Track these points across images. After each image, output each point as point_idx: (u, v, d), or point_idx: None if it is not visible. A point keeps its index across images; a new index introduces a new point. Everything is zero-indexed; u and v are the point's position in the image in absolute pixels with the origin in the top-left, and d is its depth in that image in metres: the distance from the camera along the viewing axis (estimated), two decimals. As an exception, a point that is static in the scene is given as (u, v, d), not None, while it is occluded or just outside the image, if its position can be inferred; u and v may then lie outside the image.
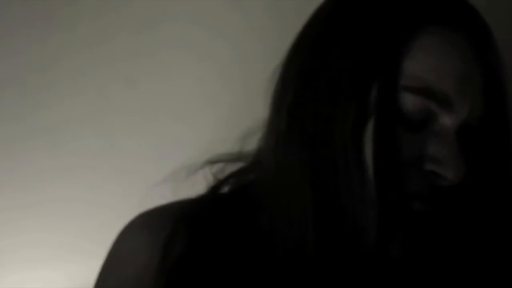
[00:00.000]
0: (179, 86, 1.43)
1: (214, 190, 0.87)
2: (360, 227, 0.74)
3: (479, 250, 0.78)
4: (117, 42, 1.40)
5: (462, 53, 0.75)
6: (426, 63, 0.75)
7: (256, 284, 0.77)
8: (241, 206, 0.83)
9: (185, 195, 0.90)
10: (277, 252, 0.77)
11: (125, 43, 1.40)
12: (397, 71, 0.75)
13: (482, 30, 0.76)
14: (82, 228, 1.53)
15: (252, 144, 0.90)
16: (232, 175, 0.88)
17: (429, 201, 0.76)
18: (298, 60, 0.80)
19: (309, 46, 0.80)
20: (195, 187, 0.91)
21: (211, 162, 0.89)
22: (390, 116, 0.75)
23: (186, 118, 1.44)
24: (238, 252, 0.79)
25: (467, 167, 0.75)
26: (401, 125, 0.76)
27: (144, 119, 1.45)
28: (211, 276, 0.78)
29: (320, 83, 0.77)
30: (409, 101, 0.75)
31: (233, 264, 0.79)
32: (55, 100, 1.44)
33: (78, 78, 1.42)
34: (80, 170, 1.48)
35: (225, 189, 0.88)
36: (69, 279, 1.59)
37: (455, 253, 0.78)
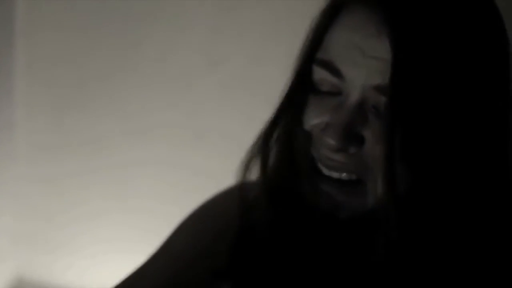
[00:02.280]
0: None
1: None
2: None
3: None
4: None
5: (363, 27, 0.78)
6: (333, 36, 0.81)
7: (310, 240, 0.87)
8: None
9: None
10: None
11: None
12: (313, 42, 0.82)
13: (394, 4, 0.78)
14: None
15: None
16: None
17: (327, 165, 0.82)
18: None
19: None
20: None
21: None
22: (300, 83, 0.83)
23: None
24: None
25: (354, 140, 0.79)
26: (313, 93, 0.82)
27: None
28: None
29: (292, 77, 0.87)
30: (318, 73, 0.82)
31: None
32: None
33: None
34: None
35: None
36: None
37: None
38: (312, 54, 0.83)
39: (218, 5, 1.53)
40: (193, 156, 1.61)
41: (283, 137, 0.87)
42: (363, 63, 0.78)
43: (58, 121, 1.64)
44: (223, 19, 1.53)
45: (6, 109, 1.63)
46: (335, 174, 0.82)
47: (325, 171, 0.82)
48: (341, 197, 0.82)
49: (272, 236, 0.87)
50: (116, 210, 1.67)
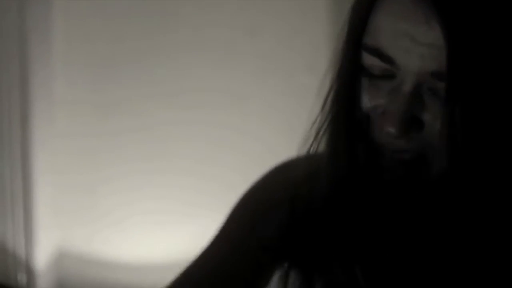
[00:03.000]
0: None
1: None
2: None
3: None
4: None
5: (411, 14, 0.78)
6: (380, 23, 0.80)
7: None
8: None
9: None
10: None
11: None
12: (358, 27, 0.82)
13: None
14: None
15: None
16: None
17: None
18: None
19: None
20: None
21: None
22: (351, 67, 0.83)
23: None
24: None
25: (414, 126, 0.80)
26: (367, 79, 0.82)
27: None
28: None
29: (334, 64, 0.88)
30: (368, 58, 0.81)
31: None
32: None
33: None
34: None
35: None
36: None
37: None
38: (358, 39, 0.82)
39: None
40: (234, 118, 1.62)
41: (339, 118, 0.87)
42: (415, 50, 0.78)
43: (96, 84, 1.66)
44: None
45: (45, 73, 1.64)
46: (396, 155, 0.83)
47: (387, 152, 0.83)
48: (403, 172, 0.83)
49: (330, 209, 0.89)
50: (156, 183, 1.69)
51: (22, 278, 1.66)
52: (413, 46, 0.78)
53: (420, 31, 0.77)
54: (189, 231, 1.69)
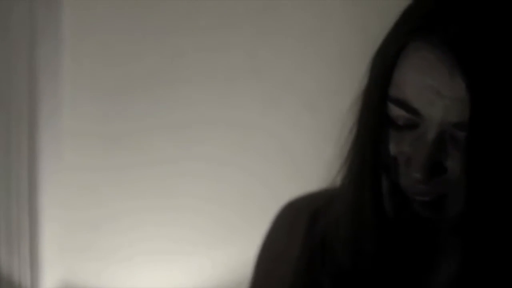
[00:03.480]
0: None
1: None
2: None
3: None
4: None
5: (436, 68, 0.81)
6: (405, 76, 0.83)
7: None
8: None
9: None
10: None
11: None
12: (385, 81, 0.85)
13: (466, 44, 0.81)
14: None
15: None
16: None
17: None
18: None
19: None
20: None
21: None
22: (379, 120, 0.86)
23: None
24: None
25: (437, 172, 0.83)
26: (392, 127, 0.85)
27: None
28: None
29: (357, 111, 0.90)
30: (393, 109, 0.85)
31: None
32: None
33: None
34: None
35: None
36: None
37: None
38: (384, 91, 0.85)
39: (262, 6, 1.56)
40: (236, 154, 1.64)
41: (362, 164, 0.90)
42: (440, 103, 0.81)
43: (104, 117, 1.68)
44: (267, 21, 1.56)
45: (53, 107, 1.67)
46: (419, 198, 0.86)
47: (410, 195, 0.86)
48: (425, 214, 0.86)
49: (354, 253, 0.92)
50: (159, 208, 1.71)
51: (27, 313, 1.68)
52: (437, 99, 0.81)
53: (444, 85, 0.81)
54: (191, 267, 1.70)
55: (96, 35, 1.65)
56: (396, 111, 0.84)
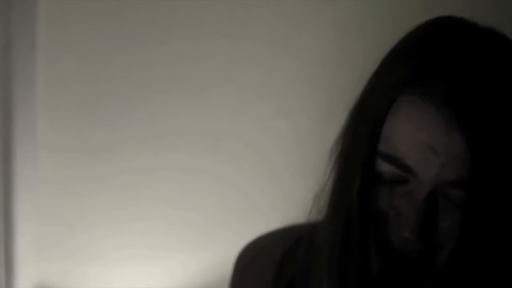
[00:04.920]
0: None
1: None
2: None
3: None
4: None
5: (432, 124, 0.77)
6: (397, 132, 0.79)
7: None
8: None
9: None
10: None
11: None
12: (375, 135, 0.80)
13: (464, 100, 0.77)
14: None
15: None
16: None
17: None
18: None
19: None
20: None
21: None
22: (367, 175, 0.81)
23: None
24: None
25: (429, 230, 0.80)
26: (379, 183, 0.82)
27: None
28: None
29: (339, 157, 0.87)
30: (383, 165, 0.81)
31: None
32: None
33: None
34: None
35: None
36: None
37: None
38: (374, 146, 0.82)
39: (232, 10, 1.57)
40: (209, 162, 1.66)
41: (348, 217, 0.85)
42: (435, 160, 0.78)
43: (78, 128, 1.68)
44: (238, 27, 1.57)
45: (28, 118, 1.66)
46: (405, 255, 0.83)
47: (396, 252, 0.83)
48: (409, 273, 0.83)
49: None
50: (133, 217, 1.72)
51: (1, 314, 1.68)
52: (434, 157, 0.78)
53: (440, 141, 0.77)
54: (166, 266, 1.72)
55: (71, 50, 1.65)
56: (385, 167, 0.81)
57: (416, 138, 0.78)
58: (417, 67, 0.79)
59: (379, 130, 0.80)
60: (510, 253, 0.81)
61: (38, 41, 1.63)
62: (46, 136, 1.68)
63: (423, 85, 0.78)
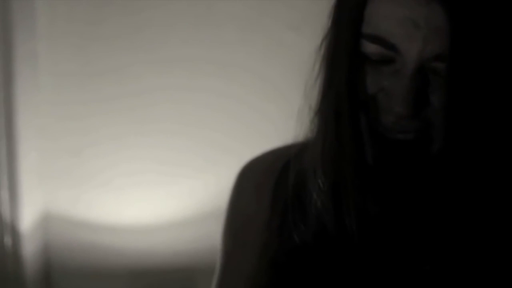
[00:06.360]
0: None
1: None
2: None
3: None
4: None
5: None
6: (379, 11, 0.80)
7: None
8: None
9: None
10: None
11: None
12: (358, 18, 0.82)
13: None
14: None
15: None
16: None
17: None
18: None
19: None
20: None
21: None
22: (354, 60, 0.83)
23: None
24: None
25: (421, 105, 0.81)
26: (366, 64, 0.83)
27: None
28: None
29: (326, 50, 0.87)
30: (369, 46, 0.82)
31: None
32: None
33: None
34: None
35: None
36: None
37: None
38: (357, 28, 0.82)
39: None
40: (213, 84, 1.64)
41: (338, 106, 0.86)
42: (418, 35, 0.79)
43: (81, 52, 1.66)
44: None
45: (30, 41, 1.63)
46: (401, 136, 0.83)
47: (390, 135, 0.84)
48: (407, 151, 0.83)
49: (334, 206, 0.88)
50: (140, 144, 1.70)
51: (7, 240, 1.67)
52: (415, 31, 0.79)
53: (421, 15, 0.78)
54: (174, 191, 1.70)
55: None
56: (370, 48, 0.82)
57: (397, 13, 0.79)
58: None
59: (361, 14, 0.82)
60: (501, 127, 0.82)
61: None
62: (48, 60, 1.66)
63: None
